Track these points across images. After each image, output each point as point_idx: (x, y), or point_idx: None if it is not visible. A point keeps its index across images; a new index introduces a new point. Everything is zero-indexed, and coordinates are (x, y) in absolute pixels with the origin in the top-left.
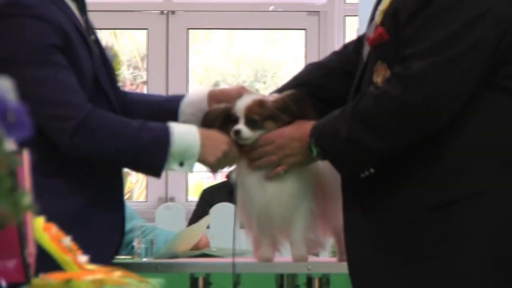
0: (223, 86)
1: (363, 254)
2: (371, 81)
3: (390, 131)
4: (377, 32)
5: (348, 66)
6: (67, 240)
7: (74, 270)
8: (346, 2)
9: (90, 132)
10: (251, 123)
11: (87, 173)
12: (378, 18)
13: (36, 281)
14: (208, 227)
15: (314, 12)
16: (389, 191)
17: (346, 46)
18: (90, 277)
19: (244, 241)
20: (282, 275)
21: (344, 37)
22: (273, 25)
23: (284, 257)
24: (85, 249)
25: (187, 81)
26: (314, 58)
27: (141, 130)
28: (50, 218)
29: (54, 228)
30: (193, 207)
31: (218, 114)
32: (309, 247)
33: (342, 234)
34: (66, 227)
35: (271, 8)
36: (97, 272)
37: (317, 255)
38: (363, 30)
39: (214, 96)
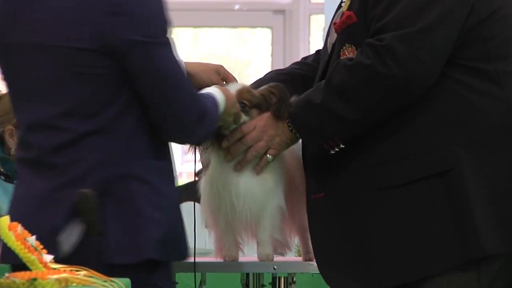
0: None
1: (325, 237)
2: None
3: (364, 101)
4: (344, 16)
5: (310, 72)
6: (32, 239)
7: (39, 269)
8: (312, 1)
9: (207, 120)
10: (240, 107)
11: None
12: (345, 6)
13: (1, 280)
14: None
15: (280, 11)
16: (349, 172)
17: (306, 58)
18: (55, 276)
19: (209, 240)
20: (247, 275)
21: (309, 35)
22: (238, 23)
23: (248, 256)
24: (183, 229)
25: None
26: (280, 57)
27: (213, 112)
28: (160, 197)
29: (19, 227)
30: None
31: None
32: (275, 247)
33: (307, 233)
34: (173, 207)
35: (236, 6)
36: (62, 271)
37: (282, 254)
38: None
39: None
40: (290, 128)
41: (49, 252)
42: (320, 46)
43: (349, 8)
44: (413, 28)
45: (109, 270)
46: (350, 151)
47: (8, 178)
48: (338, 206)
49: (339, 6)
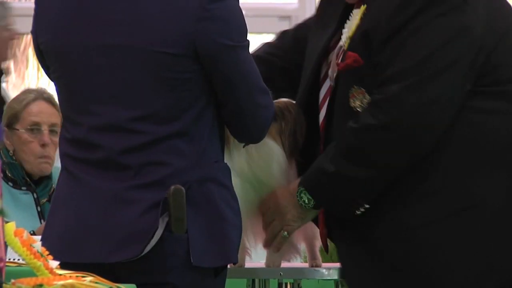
0: None
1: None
2: (348, 105)
3: (379, 160)
4: (350, 58)
5: (287, 64)
6: (38, 245)
7: (45, 275)
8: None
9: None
10: None
11: None
12: (345, 44)
13: (7, 286)
14: None
15: (285, 17)
16: (380, 220)
17: (281, 38)
18: (61, 282)
19: None
20: (253, 280)
21: None
22: None
23: (255, 262)
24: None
25: None
26: None
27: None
28: (235, 200)
29: (25, 233)
30: None
31: None
32: (284, 253)
33: (313, 240)
34: (240, 209)
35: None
36: (68, 277)
37: (288, 260)
38: None
39: None
40: (300, 202)
41: (126, 250)
42: None
43: (350, 48)
44: (416, 78)
45: (190, 269)
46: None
47: (16, 185)
48: (373, 254)
49: (331, 34)
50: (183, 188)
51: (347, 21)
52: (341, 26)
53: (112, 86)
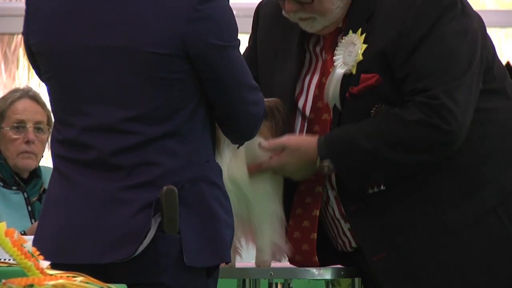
0: None
1: None
2: None
3: (421, 154)
4: (370, 79)
5: None
6: (28, 245)
7: (36, 275)
8: None
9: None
10: None
11: None
12: (352, 69)
13: None
14: None
15: None
16: (412, 224)
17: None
18: (52, 282)
19: None
20: (244, 281)
21: None
22: None
23: (245, 262)
24: None
25: None
26: None
27: None
28: (226, 199)
29: (16, 233)
30: None
31: None
32: (274, 253)
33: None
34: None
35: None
36: (59, 278)
37: (279, 260)
38: None
39: None
40: (320, 169)
41: (118, 251)
42: None
43: (361, 70)
44: (454, 82)
45: (183, 269)
46: (406, 202)
47: (6, 184)
48: (408, 262)
49: (296, 68)
50: (175, 189)
51: (337, 48)
52: (302, 59)
53: (104, 87)
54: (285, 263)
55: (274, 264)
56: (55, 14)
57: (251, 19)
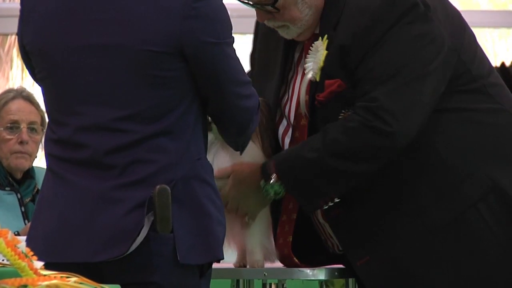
0: None
1: None
2: None
3: (367, 159)
4: (333, 85)
5: None
6: (22, 246)
7: (30, 275)
8: None
9: (257, 118)
10: None
11: None
12: (316, 76)
13: None
14: None
15: None
16: (393, 228)
17: None
18: (45, 282)
19: None
20: (238, 281)
21: None
22: None
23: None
24: None
25: None
26: None
27: None
28: (218, 197)
29: (9, 234)
30: None
31: None
32: (265, 254)
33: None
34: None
35: None
36: (53, 278)
37: (272, 260)
38: None
39: None
40: (265, 193)
41: (112, 249)
42: None
43: (324, 77)
44: (400, 83)
45: (176, 268)
46: (385, 206)
47: None
48: (392, 264)
49: (279, 77)
50: (168, 188)
51: (307, 55)
52: (286, 66)
53: (98, 86)
54: (279, 264)
55: (268, 265)
56: (49, 14)
57: (245, 19)
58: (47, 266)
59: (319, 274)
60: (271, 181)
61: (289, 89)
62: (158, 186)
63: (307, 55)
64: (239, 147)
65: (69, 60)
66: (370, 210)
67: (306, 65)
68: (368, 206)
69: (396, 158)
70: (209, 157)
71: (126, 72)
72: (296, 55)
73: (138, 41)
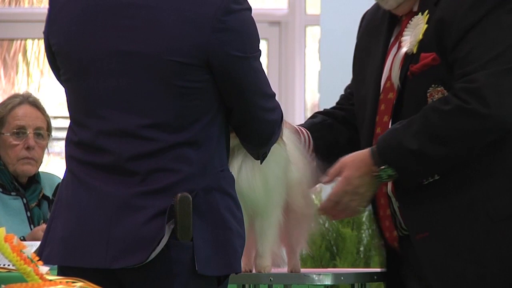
0: None
1: (442, 276)
2: (424, 105)
3: (464, 142)
4: (428, 57)
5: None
6: (28, 251)
7: (35, 280)
8: (307, 12)
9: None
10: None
11: None
12: (413, 48)
13: None
14: None
15: (275, 23)
16: (456, 208)
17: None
18: (51, 287)
19: None
20: (243, 286)
21: (305, 47)
22: None
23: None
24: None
25: None
26: (275, 68)
27: None
28: (239, 209)
29: (15, 239)
30: None
31: None
32: (273, 259)
33: (294, 245)
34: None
35: None
36: (58, 283)
37: (279, 265)
38: (325, 40)
39: None
40: (379, 179)
41: (131, 256)
42: (315, 57)
43: (421, 50)
44: (502, 67)
45: (194, 278)
46: (454, 187)
47: (5, 190)
48: (449, 244)
49: (383, 48)
50: (189, 196)
51: (406, 30)
52: (389, 39)
53: (122, 92)
54: (285, 269)
55: (274, 270)
56: (78, 16)
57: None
58: (62, 270)
59: (325, 279)
60: (384, 166)
61: (386, 66)
62: (179, 194)
63: (405, 30)
64: (260, 157)
65: (95, 64)
66: (439, 189)
67: (403, 38)
68: (437, 184)
69: (493, 142)
70: (236, 162)
71: (151, 81)
72: (395, 33)
73: (165, 50)
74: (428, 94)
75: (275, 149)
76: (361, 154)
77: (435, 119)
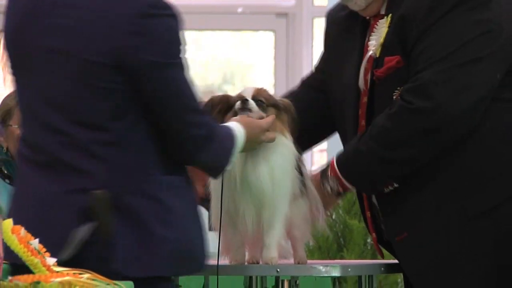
0: None
1: (421, 273)
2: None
3: (412, 143)
4: (392, 61)
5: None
6: (35, 242)
7: (43, 272)
8: (315, 4)
9: (214, 146)
10: (257, 102)
11: (187, 170)
12: (376, 52)
13: (4, 283)
14: None
15: (283, 14)
16: (432, 207)
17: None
18: (58, 279)
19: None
20: (250, 278)
21: (313, 38)
22: (241, 26)
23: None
24: (201, 246)
25: None
26: (283, 60)
27: (226, 138)
28: (180, 217)
29: (22, 230)
30: None
31: (218, 101)
32: (279, 252)
33: (299, 237)
34: (185, 223)
35: (239, 9)
36: (65, 274)
37: (285, 257)
38: None
39: None
40: (324, 189)
41: (53, 255)
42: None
43: (385, 53)
44: (449, 65)
45: (113, 278)
46: (429, 186)
47: (12, 181)
48: (427, 243)
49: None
50: (107, 194)
51: (372, 34)
52: (363, 42)
53: (48, 88)
54: (292, 261)
55: (281, 261)
56: (20, 13)
57: (257, 16)
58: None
59: (332, 270)
60: (328, 182)
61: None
62: (97, 191)
63: (372, 33)
64: (210, 172)
65: (30, 61)
66: (414, 189)
67: (370, 42)
68: (412, 184)
69: (446, 144)
70: (242, 155)
71: (71, 78)
72: (367, 36)
73: (82, 49)
74: (394, 97)
75: (281, 141)
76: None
77: (383, 122)
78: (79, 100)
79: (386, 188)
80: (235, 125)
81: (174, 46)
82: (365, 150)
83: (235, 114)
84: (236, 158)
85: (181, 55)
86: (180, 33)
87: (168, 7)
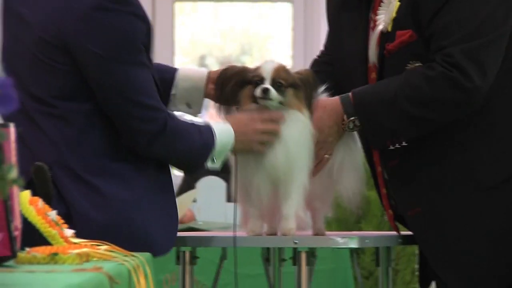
0: (209, 59)
1: (437, 248)
2: None
3: (441, 108)
4: (404, 35)
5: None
6: (53, 214)
7: (60, 243)
8: None
9: (168, 141)
10: (276, 86)
11: (146, 159)
12: (388, 26)
13: (22, 254)
14: (195, 201)
15: None
16: (446, 180)
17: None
18: (76, 250)
19: (229, 214)
20: (268, 249)
21: None
22: None
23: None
24: (150, 231)
25: (173, 54)
26: (301, 32)
27: (198, 134)
28: (116, 201)
29: (40, 202)
30: (178, 181)
31: (234, 73)
32: (297, 223)
33: (318, 209)
34: (131, 210)
35: None
36: (83, 246)
37: (303, 229)
38: None
39: (213, 78)
40: (346, 128)
41: None
42: None
43: (396, 27)
44: (476, 42)
45: None
46: (441, 158)
47: None
48: (439, 217)
49: (352, 25)
50: (45, 165)
51: (379, 8)
52: (368, 17)
53: (10, 54)
54: (310, 232)
55: (298, 233)
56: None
57: None
58: None
59: (350, 242)
60: (353, 118)
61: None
62: (36, 163)
63: (378, 8)
64: (180, 167)
65: (7, 44)
66: (425, 163)
67: (378, 17)
68: (423, 158)
69: (465, 114)
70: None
71: (29, 50)
72: (370, 13)
73: (39, 25)
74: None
75: (297, 117)
76: (333, 103)
77: (418, 81)
78: (32, 72)
79: (393, 144)
80: (220, 125)
81: (126, 43)
82: (392, 101)
83: (255, 100)
84: (224, 157)
85: (129, 53)
86: (140, 31)
87: (130, 4)
